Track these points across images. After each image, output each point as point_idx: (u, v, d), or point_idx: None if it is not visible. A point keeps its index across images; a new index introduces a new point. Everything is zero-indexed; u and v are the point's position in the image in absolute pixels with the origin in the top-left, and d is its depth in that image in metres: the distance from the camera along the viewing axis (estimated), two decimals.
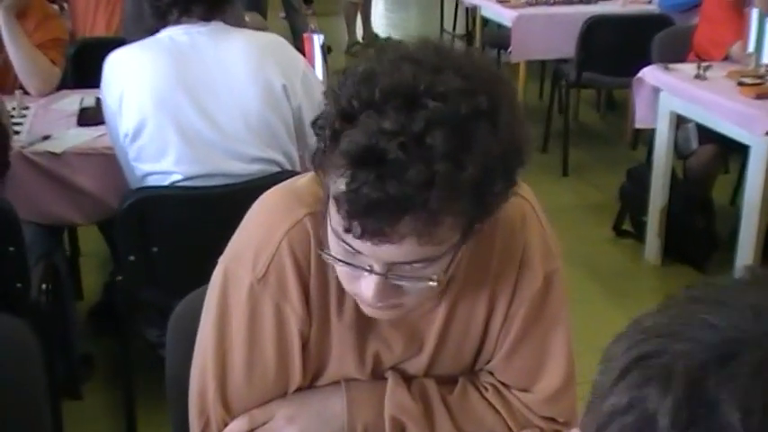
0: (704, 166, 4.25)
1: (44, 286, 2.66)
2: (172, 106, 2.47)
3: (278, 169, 2.61)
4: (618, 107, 6.37)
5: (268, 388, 1.34)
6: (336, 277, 1.27)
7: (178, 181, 2.52)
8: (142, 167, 2.55)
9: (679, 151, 4.26)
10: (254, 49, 2.57)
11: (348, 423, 1.34)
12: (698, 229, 4.22)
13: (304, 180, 1.34)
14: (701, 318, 0.62)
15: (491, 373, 1.42)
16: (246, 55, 2.54)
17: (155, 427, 2.91)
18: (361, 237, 1.08)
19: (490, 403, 1.40)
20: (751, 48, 3.82)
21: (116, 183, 2.75)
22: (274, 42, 2.65)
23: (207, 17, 2.55)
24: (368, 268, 1.15)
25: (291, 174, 2.59)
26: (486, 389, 1.41)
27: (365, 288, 1.16)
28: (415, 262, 1.12)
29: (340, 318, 1.32)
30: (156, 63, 2.49)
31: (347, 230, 1.08)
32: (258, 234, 1.30)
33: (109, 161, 2.73)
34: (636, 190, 4.39)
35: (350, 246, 1.12)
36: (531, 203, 1.36)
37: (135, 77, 2.49)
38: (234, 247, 1.34)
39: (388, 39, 8.84)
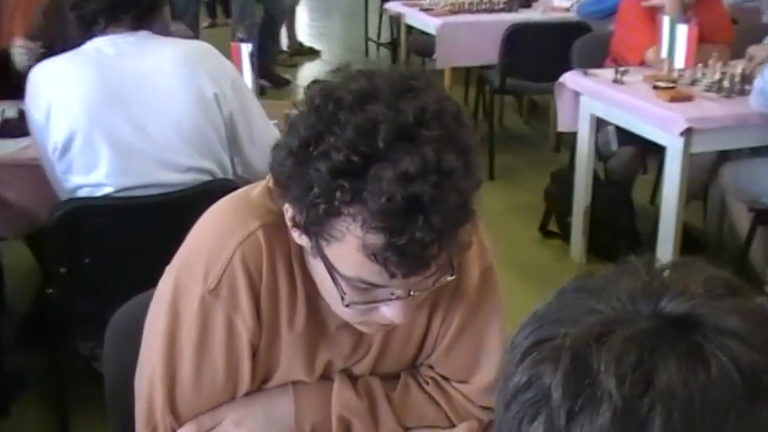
0: (624, 167, 4.40)
1: None
2: (102, 118, 2.46)
3: (210, 178, 2.63)
4: (540, 112, 6.50)
5: (216, 395, 1.35)
6: (288, 289, 1.30)
7: (110, 193, 2.52)
8: (73, 180, 2.53)
9: (600, 153, 4.40)
10: (184, 58, 2.57)
11: (296, 423, 1.36)
12: (620, 228, 4.36)
13: (256, 192, 1.34)
14: (585, 304, 0.71)
15: (431, 367, 1.46)
16: (176, 63, 2.55)
17: None
18: (395, 277, 1.12)
19: (431, 396, 1.44)
20: (664, 53, 3.96)
21: (43, 195, 2.69)
22: (203, 50, 2.65)
23: (135, 27, 2.54)
24: (392, 297, 1.19)
25: (224, 182, 2.65)
26: (427, 383, 1.45)
27: (390, 314, 1.20)
28: (435, 274, 1.18)
29: (291, 329, 1.33)
30: (84, 75, 2.48)
31: (390, 276, 1.11)
32: (210, 245, 1.30)
33: (35, 173, 2.68)
34: (560, 192, 4.51)
35: (370, 284, 1.16)
36: None
37: (62, 90, 2.48)
38: (184, 257, 1.34)
39: (311, 48, 8.92)
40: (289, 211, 1.18)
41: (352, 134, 1.07)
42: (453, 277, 1.22)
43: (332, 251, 1.15)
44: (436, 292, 1.36)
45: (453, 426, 1.45)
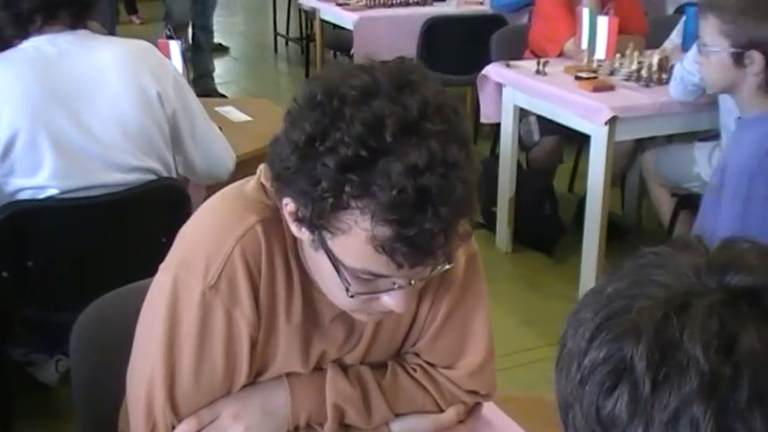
0: (547, 156, 4.52)
1: None
2: (45, 119, 2.41)
3: (155, 177, 2.61)
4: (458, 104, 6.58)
5: (215, 389, 1.36)
6: (285, 283, 1.33)
7: (55, 195, 2.47)
8: (14, 183, 2.47)
9: (522, 143, 4.51)
10: (127, 56, 2.54)
11: (292, 414, 1.39)
12: (544, 217, 4.47)
13: (250, 187, 1.36)
14: (653, 280, 0.76)
15: (417, 355, 1.50)
16: (119, 62, 2.52)
17: None
18: (402, 267, 1.15)
19: (419, 383, 1.48)
20: (584, 44, 4.07)
21: None
22: (144, 48, 2.63)
23: (73, 25, 2.50)
24: (393, 286, 1.22)
25: (169, 181, 2.66)
26: (415, 370, 1.48)
27: (391, 303, 1.24)
28: (435, 264, 1.22)
29: (288, 321, 1.36)
30: (24, 75, 2.42)
31: (397, 266, 1.15)
32: (209, 241, 1.31)
33: None
34: (483, 182, 4.58)
35: (376, 275, 1.19)
36: None
37: (1, 92, 2.42)
38: (182, 254, 1.35)
39: (219, 44, 8.83)
40: (289, 205, 1.20)
41: (359, 129, 1.10)
42: (450, 265, 1.27)
43: (337, 244, 1.18)
44: (423, 289, 1.41)
45: (441, 410, 1.49)
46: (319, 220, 1.16)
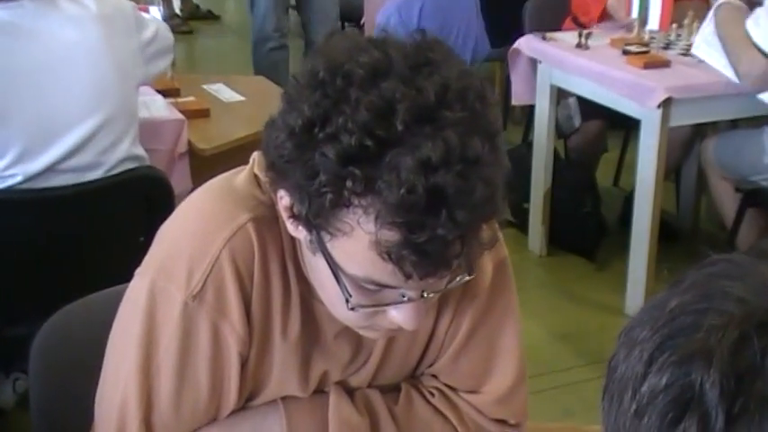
0: (589, 145, 4.49)
1: None
2: (8, 98, 2.44)
3: (135, 165, 2.67)
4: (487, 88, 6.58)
5: (198, 416, 1.35)
6: (281, 292, 1.31)
7: (19, 183, 2.50)
8: None
9: (560, 129, 4.48)
10: (96, 24, 2.58)
11: None
12: (584, 215, 4.44)
13: (240, 179, 1.34)
14: (726, 292, 0.73)
15: (435, 377, 1.48)
16: (87, 26, 2.56)
17: None
18: (410, 278, 1.12)
19: (437, 410, 1.46)
20: (634, 13, 4.03)
21: None
22: (111, 3, 2.69)
23: None
24: (402, 299, 1.19)
25: (150, 170, 2.69)
26: (433, 394, 1.47)
27: (400, 318, 1.20)
28: (452, 275, 1.19)
29: (284, 336, 1.34)
30: None
31: (405, 277, 1.11)
32: (192, 243, 1.29)
33: None
34: (514, 174, 4.56)
35: (380, 285, 1.16)
36: None
37: None
38: (160, 257, 1.33)
39: (209, 12, 8.86)
40: (284, 198, 1.18)
41: (365, 115, 1.06)
42: (471, 277, 1.24)
43: (337, 247, 1.15)
44: (442, 297, 1.38)
45: None
46: (317, 218, 1.13)
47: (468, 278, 1.23)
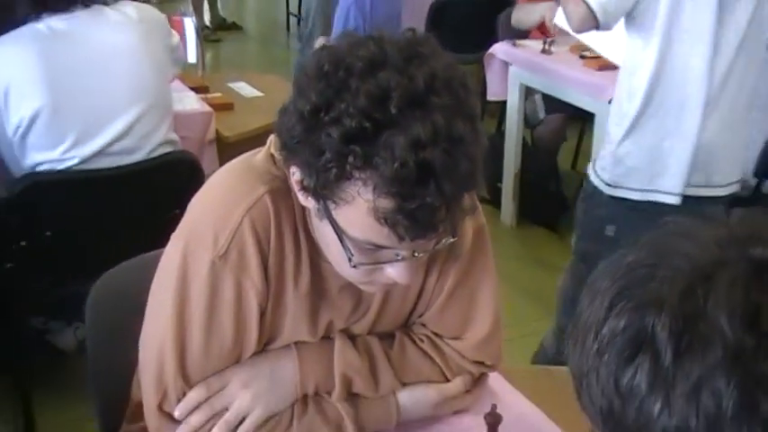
0: (552, 134, 4.49)
1: None
2: (64, 93, 2.43)
3: (171, 149, 2.67)
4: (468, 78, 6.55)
5: (224, 358, 1.34)
6: (294, 253, 1.30)
7: (75, 164, 2.49)
8: (34, 157, 2.49)
9: (528, 121, 4.48)
10: (136, 29, 2.58)
11: (300, 382, 1.37)
12: (549, 193, 4.46)
13: (259, 157, 1.33)
14: (676, 250, 0.73)
15: (424, 326, 1.48)
16: (129, 31, 2.56)
17: (52, 416, 2.87)
18: (403, 239, 1.12)
19: (426, 353, 1.45)
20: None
21: None
22: (156, 18, 2.69)
23: (87, 3, 2.49)
24: (397, 258, 1.19)
25: (183, 153, 2.68)
26: (422, 340, 1.46)
27: (395, 274, 1.20)
28: (439, 236, 1.18)
29: (296, 290, 1.33)
30: (42, 53, 2.41)
31: (399, 239, 1.11)
32: (218, 211, 1.29)
33: None
34: (489, 159, 4.58)
35: (377, 246, 1.16)
36: None
37: (21, 72, 2.41)
38: (191, 224, 1.32)
39: (234, 23, 8.81)
40: (296, 173, 1.18)
41: (364, 101, 1.06)
42: (455, 239, 1.23)
43: (341, 214, 1.15)
44: (431, 258, 1.38)
45: (448, 380, 1.47)
46: (323, 189, 1.13)
47: (452, 240, 1.22)
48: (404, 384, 1.45)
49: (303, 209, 1.29)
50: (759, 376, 0.65)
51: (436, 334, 1.48)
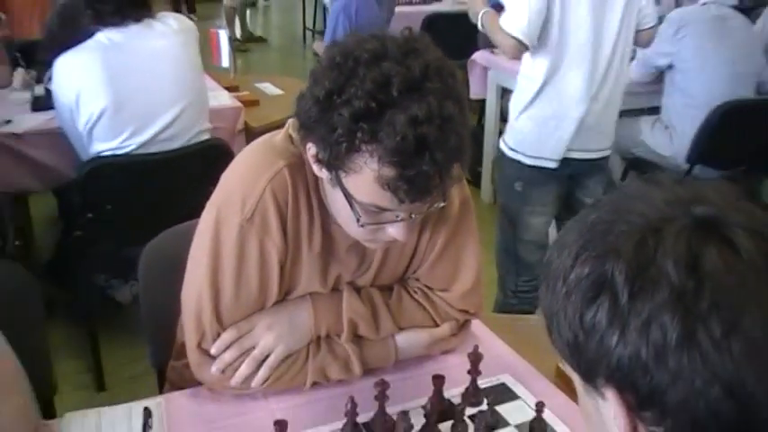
0: None
1: (17, 243, 2.59)
2: (125, 94, 2.45)
3: (207, 137, 2.68)
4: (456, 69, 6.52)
5: (251, 305, 1.34)
6: (308, 217, 1.30)
7: (132, 150, 2.50)
8: (98, 147, 2.51)
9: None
10: (177, 36, 2.57)
11: (315, 326, 1.37)
12: None
13: (279, 138, 1.33)
14: (631, 208, 0.72)
15: (418, 280, 1.47)
16: (171, 38, 2.56)
17: (114, 354, 2.90)
18: (403, 202, 1.12)
19: (420, 303, 1.45)
20: None
21: (65, 156, 2.67)
22: (190, 27, 2.68)
23: (137, 19, 2.50)
24: (396, 219, 1.18)
25: (217, 141, 2.70)
26: (416, 292, 1.46)
27: (395, 233, 1.20)
28: (431, 201, 1.18)
29: (310, 249, 1.33)
30: (105, 62, 2.43)
31: (399, 202, 1.11)
32: (245, 182, 1.29)
33: (59, 139, 2.64)
34: (471, 146, 4.53)
35: (382, 208, 1.16)
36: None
37: (89, 79, 2.42)
38: (223, 193, 1.32)
39: (260, 36, 8.76)
40: (312, 149, 1.17)
41: (370, 85, 1.07)
42: (444, 204, 1.23)
43: (350, 182, 1.15)
44: (425, 216, 1.37)
45: (437, 326, 1.47)
46: (336, 161, 1.13)
47: (442, 204, 1.22)
48: (401, 329, 1.44)
49: (316, 180, 1.28)
50: (698, 313, 0.65)
51: (428, 287, 1.47)
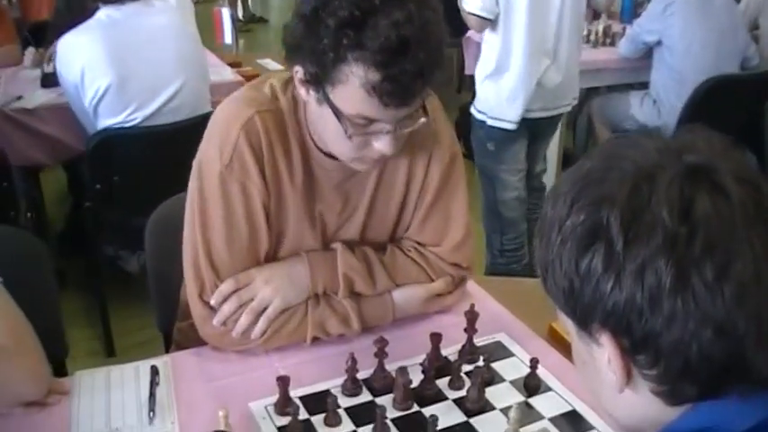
0: None
1: (29, 215, 2.58)
2: (129, 70, 2.43)
3: (209, 110, 2.62)
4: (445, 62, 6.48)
5: (244, 252, 1.34)
6: (286, 159, 1.31)
7: (138, 123, 2.48)
8: (105, 122, 2.49)
9: None
10: (176, 12, 2.57)
11: (312, 282, 1.36)
12: None
13: (246, 90, 1.35)
14: (624, 156, 0.71)
15: (409, 239, 1.46)
16: (170, 14, 2.55)
17: (123, 323, 2.90)
18: (388, 106, 1.12)
19: (414, 259, 1.44)
20: None
21: (75, 131, 2.66)
22: (183, 0, 2.67)
23: None
24: (382, 131, 1.19)
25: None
26: (410, 250, 1.45)
27: (381, 146, 1.20)
28: (414, 113, 1.20)
29: (293, 187, 1.34)
30: (107, 39, 2.41)
31: (384, 106, 1.12)
32: (220, 134, 1.30)
33: (68, 114, 2.63)
34: (467, 121, 4.50)
35: (368, 119, 1.16)
36: (439, 105, 1.42)
37: (92, 56, 2.41)
38: (204, 147, 1.34)
39: (261, 17, 8.69)
40: (299, 71, 1.18)
41: None
42: (426, 119, 1.24)
43: (337, 95, 1.15)
44: (411, 164, 1.39)
45: (432, 282, 1.46)
46: (323, 74, 1.14)
47: (424, 120, 1.23)
48: (397, 285, 1.43)
49: (297, 122, 1.30)
50: (691, 258, 0.65)
51: (420, 243, 1.46)
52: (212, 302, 1.33)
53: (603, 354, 0.71)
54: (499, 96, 2.70)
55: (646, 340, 0.67)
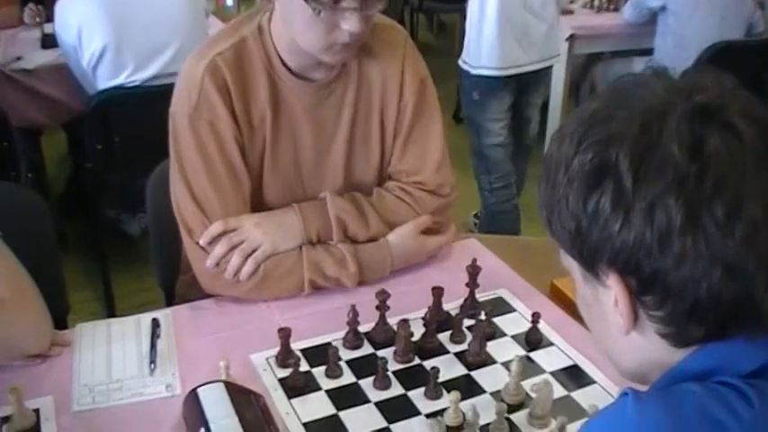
0: None
1: (29, 175, 2.57)
2: (126, 30, 2.40)
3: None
4: (447, 30, 6.41)
5: (227, 189, 1.36)
6: (253, 91, 1.34)
7: (136, 84, 2.46)
8: (103, 85, 2.47)
9: None
10: None
11: (305, 230, 1.37)
12: None
13: (207, 39, 1.40)
14: (632, 94, 0.69)
15: (392, 179, 1.48)
16: None
17: (125, 285, 2.89)
18: None
19: (400, 198, 1.45)
20: None
21: (75, 91, 2.63)
22: None
23: None
24: (350, 7, 1.22)
25: None
26: (394, 189, 1.46)
27: (350, 25, 1.23)
28: None
29: (263, 118, 1.36)
30: (105, 1, 2.38)
31: None
32: (187, 81, 1.34)
33: (70, 74, 2.59)
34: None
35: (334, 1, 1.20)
36: (407, 34, 1.48)
37: (89, 17, 2.39)
38: (174, 100, 1.37)
39: None
40: None
41: None
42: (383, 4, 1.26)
43: None
44: (384, 88, 1.42)
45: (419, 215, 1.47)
46: None
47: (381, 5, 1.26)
48: (389, 229, 1.43)
49: (263, 49, 1.34)
50: (702, 196, 0.63)
51: (403, 173, 1.47)
52: (201, 242, 1.35)
53: (610, 295, 0.70)
54: (479, 45, 2.84)
55: (654, 280, 0.66)
